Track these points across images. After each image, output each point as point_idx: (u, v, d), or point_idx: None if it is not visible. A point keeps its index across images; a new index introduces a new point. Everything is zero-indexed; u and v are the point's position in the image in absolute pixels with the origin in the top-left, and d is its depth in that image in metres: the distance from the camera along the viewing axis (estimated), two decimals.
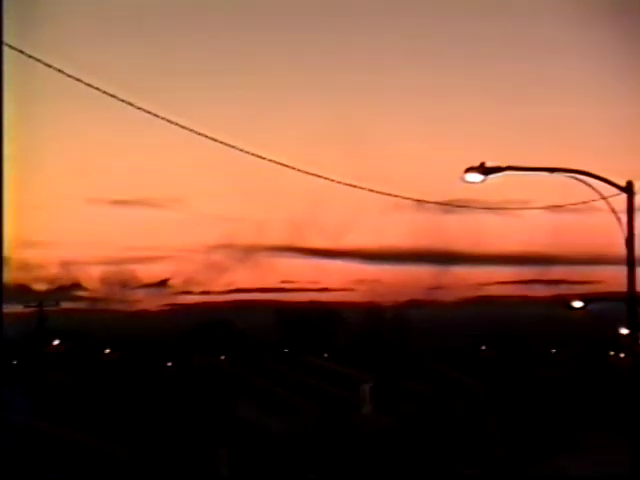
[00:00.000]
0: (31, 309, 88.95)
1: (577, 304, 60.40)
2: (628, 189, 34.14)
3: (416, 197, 43.11)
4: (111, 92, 23.95)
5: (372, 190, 39.92)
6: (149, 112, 26.18)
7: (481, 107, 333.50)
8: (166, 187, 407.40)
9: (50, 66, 22.65)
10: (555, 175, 34.91)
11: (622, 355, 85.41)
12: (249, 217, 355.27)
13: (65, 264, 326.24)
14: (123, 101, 24.84)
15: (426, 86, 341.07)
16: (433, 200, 44.58)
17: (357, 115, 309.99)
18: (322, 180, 36.32)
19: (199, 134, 28.82)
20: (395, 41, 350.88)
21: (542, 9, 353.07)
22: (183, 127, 27.85)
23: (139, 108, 26.03)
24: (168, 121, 27.09)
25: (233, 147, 30.78)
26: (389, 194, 41.36)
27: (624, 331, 44.21)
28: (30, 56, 21.94)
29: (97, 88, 24.36)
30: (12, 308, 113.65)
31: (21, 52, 21.52)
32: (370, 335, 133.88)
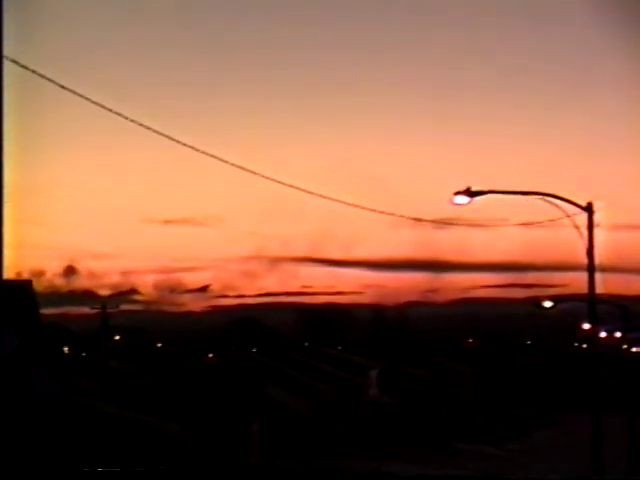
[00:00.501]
0: (96, 310, 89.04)
1: (547, 304, 60.48)
2: (588, 209, 34.31)
3: (413, 216, 43.47)
4: (148, 125, 23.57)
5: (376, 210, 40.27)
6: (192, 147, 26.22)
7: (468, 135, 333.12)
8: (206, 208, 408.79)
9: (88, 99, 22.26)
10: (529, 197, 35.11)
11: (584, 345, 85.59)
12: (276, 233, 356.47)
13: (124, 273, 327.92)
14: (164, 135, 24.65)
15: (422, 115, 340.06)
16: (427, 218, 44.70)
17: (364, 148, 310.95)
18: (336, 202, 36.69)
19: (234, 165, 29.00)
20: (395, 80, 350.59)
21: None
22: (220, 159, 27.95)
23: (183, 144, 26.06)
24: (207, 154, 27.17)
25: (264, 176, 31.05)
26: (391, 213, 41.74)
27: (586, 325, 44.28)
28: (78, 94, 21.46)
29: (141, 124, 24.26)
30: (81, 310, 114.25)
31: (62, 87, 21.14)
32: (376, 330, 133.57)
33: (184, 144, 25.73)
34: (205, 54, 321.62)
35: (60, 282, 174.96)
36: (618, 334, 71.78)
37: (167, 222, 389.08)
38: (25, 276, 63.24)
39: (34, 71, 19.60)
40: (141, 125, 23.59)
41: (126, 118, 23.18)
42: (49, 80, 19.14)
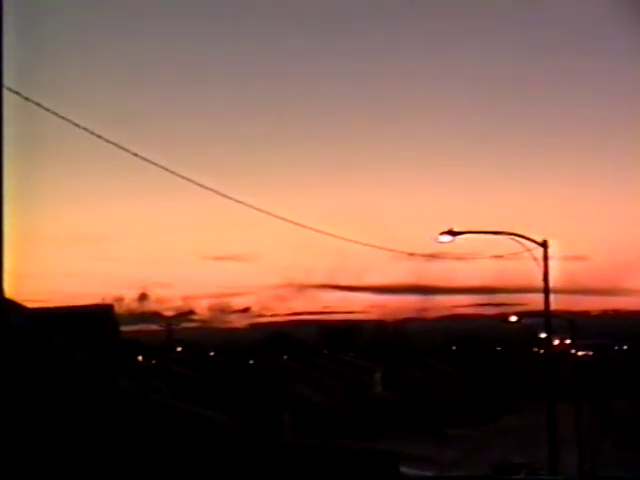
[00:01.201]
0: (163, 328, 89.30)
1: (513, 319, 60.35)
2: (544, 244, 34.40)
3: (408, 251, 43.65)
4: (173, 169, 22.80)
5: (380, 247, 40.67)
6: (225, 196, 26.17)
7: (452, 183, 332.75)
8: (246, 248, 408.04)
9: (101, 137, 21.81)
10: (498, 236, 35.38)
11: (541, 350, 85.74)
12: (301, 265, 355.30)
13: (184, 298, 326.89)
14: (192, 181, 24.21)
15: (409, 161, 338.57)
16: (419, 253, 44.86)
17: (369, 195, 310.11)
18: (349, 241, 37.08)
19: (269, 213, 29.05)
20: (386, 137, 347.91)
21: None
22: (256, 208, 27.93)
23: (218, 193, 26.02)
24: (244, 204, 27.14)
25: (291, 221, 31.16)
26: (391, 249, 42.13)
27: (542, 335, 44.22)
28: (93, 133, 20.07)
29: (189, 179, 24.18)
30: (151, 327, 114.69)
31: (67, 119, 20.83)
32: (380, 340, 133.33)
33: (224, 195, 25.60)
34: (229, 102, 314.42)
35: (135, 306, 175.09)
36: (567, 341, 71.76)
37: (217, 258, 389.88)
38: (108, 302, 63.64)
39: (64, 117, 19.15)
40: (189, 180, 23.47)
41: (172, 172, 22.86)
42: (74, 123, 17.92)
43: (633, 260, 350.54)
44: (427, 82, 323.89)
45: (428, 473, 64.61)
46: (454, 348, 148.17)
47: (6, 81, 13.98)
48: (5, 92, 14.27)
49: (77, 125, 16.86)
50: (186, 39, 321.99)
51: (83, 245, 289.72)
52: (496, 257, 39.01)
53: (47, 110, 15.95)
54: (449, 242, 34.07)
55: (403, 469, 62.59)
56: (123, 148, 18.92)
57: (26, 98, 15.46)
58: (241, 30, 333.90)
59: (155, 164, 21.07)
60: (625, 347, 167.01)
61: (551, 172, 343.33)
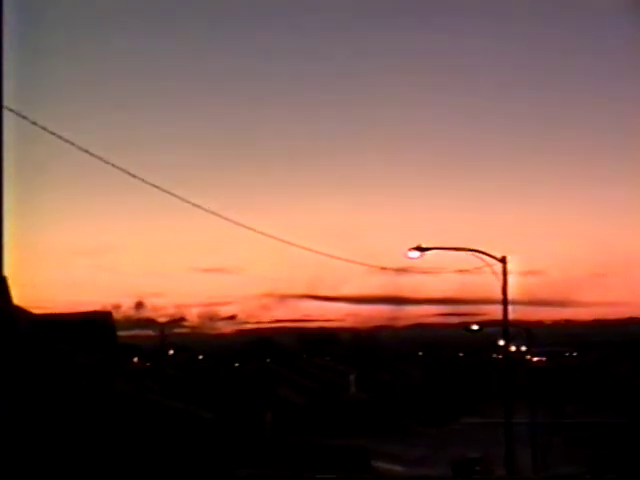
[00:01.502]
0: (157, 333, 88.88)
1: (474, 327, 60.10)
2: (503, 260, 34.36)
3: (380, 265, 43.56)
4: (173, 191, 22.95)
5: (354, 261, 40.60)
6: (214, 213, 26.10)
7: (418, 201, 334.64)
8: (232, 261, 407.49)
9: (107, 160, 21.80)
10: (462, 252, 35.31)
11: (500, 356, 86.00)
12: (283, 277, 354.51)
13: (177, 306, 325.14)
14: (184, 200, 24.22)
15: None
16: (390, 267, 44.74)
17: (345, 214, 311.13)
18: (326, 256, 37.02)
19: (253, 229, 28.99)
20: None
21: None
22: (237, 223, 27.87)
23: (208, 211, 25.91)
24: (231, 221, 27.10)
25: (273, 237, 31.09)
26: (365, 264, 42.20)
27: (501, 342, 44.15)
28: (91, 152, 20.62)
29: (180, 197, 24.09)
30: (146, 332, 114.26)
31: (59, 135, 20.70)
32: (354, 346, 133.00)
33: (213, 213, 25.59)
34: (218, 127, 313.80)
35: (132, 313, 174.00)
36: (523, 348, 71.92)
37: (206, 270, 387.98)
38: (107, 309, 63.35)
39: (72, 141, 18.98)
40: (182, 199, 23.42)
41: (167, 192, 22.91)
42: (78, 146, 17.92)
43: (583, 275, 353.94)
44: (397, 114, 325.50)
45: (398, 467, 64.52)
46: (420, 354, 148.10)
47: (17, 106, 13.86)
48: (13, 116, 14.15)
49: (85, 150, 16.81)
50: (188, 60, 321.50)
51: (85, 258, 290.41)
52: (460, 271, 38.89)
53: (52, 134, 15.82)
54: (417, 257, 33.99)
55: (375, 464, 62.51)
56: (122, 169, 18.90)
57: (34, 122, 15.32)
58: (242, 47, 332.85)
59: (152, 185, 21.04)
60: (575, 354, 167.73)
61: (511, 194, 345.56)
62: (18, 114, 14.22)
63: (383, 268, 44.80)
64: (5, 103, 12.88)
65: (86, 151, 16.73)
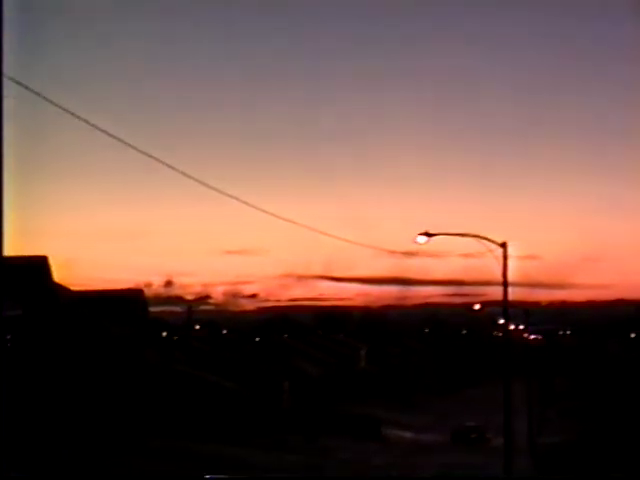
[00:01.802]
0: (184, 310, 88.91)
1: (477, 307, 60.10)
2: (503, 245, 34.24)
3: (390, 249, 43.62)
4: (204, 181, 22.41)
5: (366, 245, 40.71)
6: (253, 207, 25.91)
7: (426, 190, 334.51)
8: (255, 243, 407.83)
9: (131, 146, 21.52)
10: (466, 238, 35.20)
11: (500, 334, 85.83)
12: (301, 260, 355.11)
13: (203, 285, 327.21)
14: (209, 187, 23.65)
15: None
16: (399, 251, 44.82)
17: (358, 201, 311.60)
18: (341, 240, 37.11)
19: (271, 214, 28.97)
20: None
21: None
22: (259, 209, 27.68)
23: (245, 203, 25.70)
24: (257, 208, 26.91)
25: (294, 222, 31.10)
26: (376, 247, 42.24)
27: (501, 321, 44.11)
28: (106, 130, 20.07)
29: (202, 182, 23.85)
30: (175, 309, 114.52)
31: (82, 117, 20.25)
32: (365, 323, 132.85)
33: (235, 198, 25.01)
34: (245, 118, 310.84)
35: (162, 291, 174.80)
36: (521, 327, 71.67)
37: (230, 252, 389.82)
38: (139, 287, 63.58)
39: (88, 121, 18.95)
40: (209, 187, 23.13)
41: (196, 180, 22.59)
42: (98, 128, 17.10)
43: (577, 259, 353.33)
44: (400, 112, 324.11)
45: (406, 434, 64.72)
46: (427, 331, 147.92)
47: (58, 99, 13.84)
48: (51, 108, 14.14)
49: (128, 144, 16.58)
50: (201, 35, 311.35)
51: (119, 242, 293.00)
52: (464, 255, 38.83)
53: (102, 130, 15.71)
54: (425, 242, 33.87)
55: (384, 431, 62.75)
56: (161, 161, 18.73)
57: (79, 117, 15.27)
58: (259, 36, 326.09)
59: (186, 175, 20.80)
60: (568, 332, 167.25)
61: (513, 186, 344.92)
62: (77, 115, 14.21)
63: (392, 252, 44.89)
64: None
65: (128, 144, 16.67)
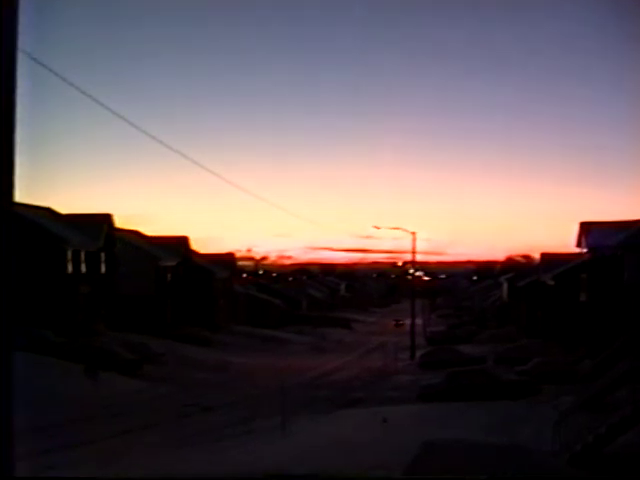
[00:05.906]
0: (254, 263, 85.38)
1: (400, 264, 57.98)
2: (414, 233, 35.24)
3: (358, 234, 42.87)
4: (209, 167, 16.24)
5: (343, 231, 41.50)
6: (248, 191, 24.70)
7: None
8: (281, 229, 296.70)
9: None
10: (397, 230, 35.82)
11: (411, 277, 79.38)
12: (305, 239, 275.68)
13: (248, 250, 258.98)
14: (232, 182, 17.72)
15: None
16: (362, 235, 43.46)
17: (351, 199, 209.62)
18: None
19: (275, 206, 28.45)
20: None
21: None
22: (273, 204, 27.44)
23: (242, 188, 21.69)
24: (257, 196, 24.41)
25: (295, 215, 32.16)
26: (349, 233, 42.07)
27: (411, 271, 42.38)
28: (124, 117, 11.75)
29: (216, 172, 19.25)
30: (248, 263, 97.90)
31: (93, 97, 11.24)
32: (344, 273, 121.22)
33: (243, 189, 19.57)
34: (254, 112, 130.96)
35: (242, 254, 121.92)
36: (420, 273, 70.26)
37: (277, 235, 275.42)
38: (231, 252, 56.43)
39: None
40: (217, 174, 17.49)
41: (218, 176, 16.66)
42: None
43: (453, 233, 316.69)
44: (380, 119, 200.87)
45: (362, 323, 62.48)
46: (374, 276, 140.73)
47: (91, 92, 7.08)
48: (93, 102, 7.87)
49: (153, 137, 12.06)
50: (218, 19, 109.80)
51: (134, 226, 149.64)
52: (395, 238, 39.99)
53: (129, 122, 11.28)
54: (377, 230, 35.47)
55: (351, 325, 60.53)
56: (178, 152, 13.42)
57: (101, 104, 10.06)
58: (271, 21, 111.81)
59: (209, 170, 15.77)
60: (443, 276, 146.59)
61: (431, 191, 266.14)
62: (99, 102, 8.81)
63: (359, 235, 45.12)
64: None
65: (154, 137, 12.03)
